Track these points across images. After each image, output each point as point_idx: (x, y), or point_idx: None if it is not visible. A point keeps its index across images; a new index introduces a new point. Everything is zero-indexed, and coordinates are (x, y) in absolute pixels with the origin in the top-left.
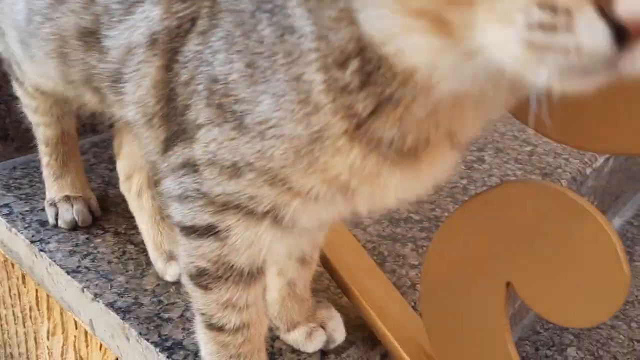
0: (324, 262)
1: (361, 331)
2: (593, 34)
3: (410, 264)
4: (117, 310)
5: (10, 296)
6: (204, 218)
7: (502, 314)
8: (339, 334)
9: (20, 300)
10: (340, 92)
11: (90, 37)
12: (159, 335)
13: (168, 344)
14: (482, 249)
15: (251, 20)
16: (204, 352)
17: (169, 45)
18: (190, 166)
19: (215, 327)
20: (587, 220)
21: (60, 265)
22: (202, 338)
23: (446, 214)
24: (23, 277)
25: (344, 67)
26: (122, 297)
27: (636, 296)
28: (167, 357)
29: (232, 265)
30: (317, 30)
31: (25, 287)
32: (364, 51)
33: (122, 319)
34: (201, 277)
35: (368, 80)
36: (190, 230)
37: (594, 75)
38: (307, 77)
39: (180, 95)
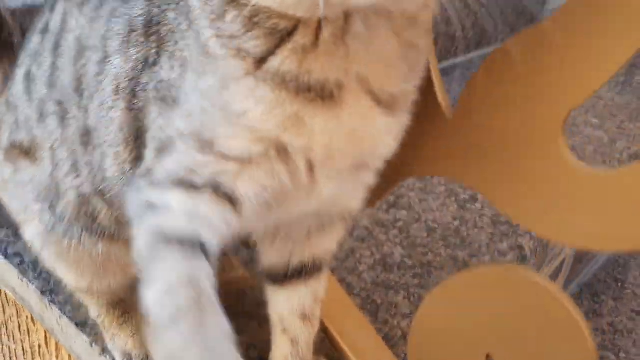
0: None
1: None
2: None
3: (403, 314)
4: None
5: (20, 332)
6: (143, 197)
7: None
8: None
9: (29, 337)
10: (229, 38)
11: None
12: None
13: None
14: (462, 323)
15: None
16: None
17: (128, 86)
18: (143, 172)
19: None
20: (553, 301)
21: (69, 318)
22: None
23: (438, 259)
24: (32, 316)
25: (221, 18)
26: None
27: (625, 325)
28: None
29: (171, 235)
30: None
31: (34, 325)
32: (236, 2)
33: None
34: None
35: (249, 24)
36: (134, 215)
37: None
38: (203, 37)
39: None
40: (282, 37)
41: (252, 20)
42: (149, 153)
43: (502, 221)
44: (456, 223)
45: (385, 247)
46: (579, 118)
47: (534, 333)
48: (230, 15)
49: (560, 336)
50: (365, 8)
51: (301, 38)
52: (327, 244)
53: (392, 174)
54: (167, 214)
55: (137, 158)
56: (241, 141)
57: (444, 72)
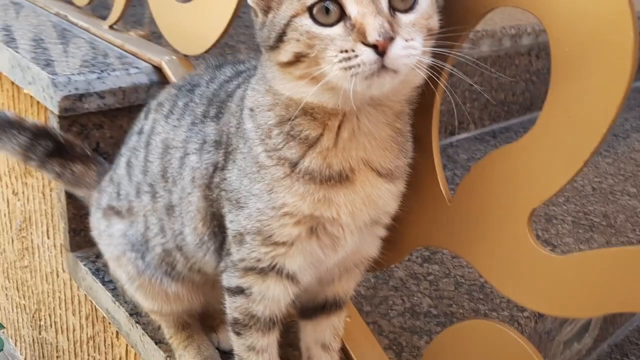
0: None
1: None
2: (366, 53)
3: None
4: None
5: (105, 345)
6: (234, 282)
7: None
8: None
9: (112, 350)
10: (273, 151)
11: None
12: None
13: None
14: None
15: (240, 146)
16: None
17: (201, 181)
18: (226, 251)
19: None
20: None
21: (150, 336)
22: None
23: (461, 310)
24: (117, 332)
25: (269, 135)
26: None
27: None
28: None
29: (254, 315)
30: (255, 124)
31: (118, 340)
32: (280, 121)
33: None
34: (236, 325)
35: (289, 136)
36: (228, 291)
37: (377, 78)
38: (255, 151)
39: (216, 205)
40: (310, 144)
41: (290, 134)
42: (228, 239)
43: None
44: (482, 280)
45: (415, 297)
46: (617, 186)
47: None
48: (274, 132)
49: None
50: (375, 99)
51: (326, 141)
52: (347, 285)
53: (403, 244)
54: (250, 297)
55: (214, 233)
56: (286, 228)
57: (498, 132)
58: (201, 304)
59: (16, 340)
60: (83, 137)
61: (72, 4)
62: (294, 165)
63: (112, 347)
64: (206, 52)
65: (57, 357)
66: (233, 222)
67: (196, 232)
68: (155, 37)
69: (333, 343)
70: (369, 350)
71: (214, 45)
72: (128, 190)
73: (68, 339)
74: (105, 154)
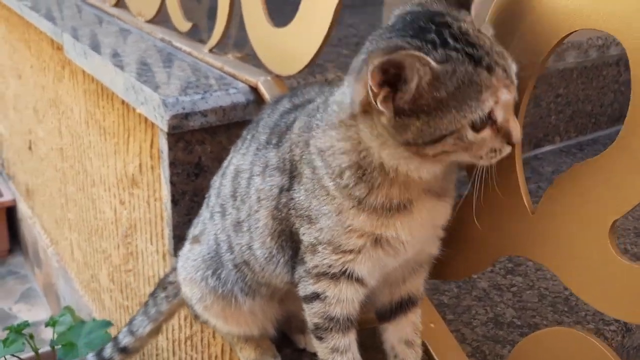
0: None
1: None
2: (508, 149)
3: None
4: None
5: (202, 344)
6: (310, 289)
7: None
8: None
9: (209, 349)
10: (343, 188)
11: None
12: None
13: None
14: None
15: (306, 173)
16: None
17: (268, 202)
18: (300, 260)
19: None
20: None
21: None
22: None
23: (545, 322)
24: (213, 332)
25: (340, 176)
26: None
27: None
28: None
29: (333, 317)
30: (325, 164)
31: (214, 340)
32: (354, 166)
33: None
34: (317, 330)
35: (360, 180)
36: (305, 299)
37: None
38: (325, 184)
39: (285, 223)
40: (377, 185)
41: (360, 178)
42: (302, 249)
43: None
44: (567, 292)
45: (498, 307)
46: None
47: None
48: (346, 174)
49: None
50: None
51: (393, 182)
52: (417, 283)
53: (487, 253)
54: (326, 301)
55: (282, 247)
56: (353, 240)
57: (585, 144)
58: (272, 324)
59: None
60: (187, 152)
61: (175, 30)
62: (360, 200)
63: (209, 346)
64: (298, 72)
65: (156, 355)
66: (305, 234)
67: (265, 246)
68: (251, 58)
69: (415, 339)
70: (453, 354)
71: (307, 67)
72: (205, 216)
73: (167, 338)
74: (206, 167)
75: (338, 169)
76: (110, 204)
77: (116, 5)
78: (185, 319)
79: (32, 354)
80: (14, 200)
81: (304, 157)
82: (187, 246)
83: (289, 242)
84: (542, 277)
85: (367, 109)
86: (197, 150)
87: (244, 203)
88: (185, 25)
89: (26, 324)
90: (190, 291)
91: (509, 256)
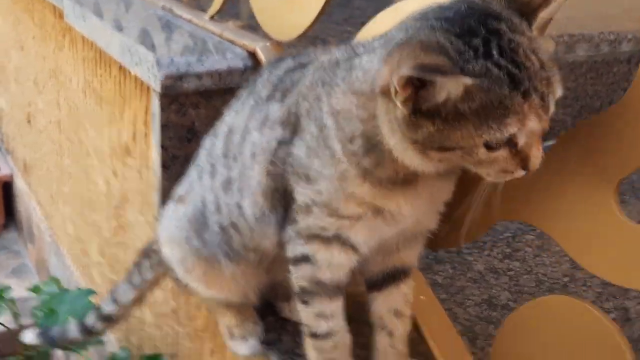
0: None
1: None
2: (521, 173)
3: None
4: None
5: (186, 318)
6: (299, 250)
7: None
8: None
9: (192, 323)
10: (351, 154)
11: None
12: None
13: None
14: (532, 347)
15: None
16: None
17: (263, 157)
18: (291, 220)
19: (313, 335)
20: (606, 331)
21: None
22: (307, 348)
23: None
24: (197, 305)
25: (351, 141)
26: None
27: None
28: None
29: (321, 282)
30: (338, 126)
31: (199, 312)
32: (367, 137)
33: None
34: (303, 294)
35: (369, 151)
36: (294, 260)
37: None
38: (331, 145)
39: (280, 179)
40: (387, 160)
41: (370, 150)
42: (294, 208)
43: (614, 284)
44: (565, 279)
45: (493, 289)
46: None
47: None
48: (357, 142)
49: None
50: None
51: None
52: (411, 254)
53: (487, 217)
54: (315, 264)
55: (274, 206)
56: (351, 206)
57: None
58: (255, 292)
59: None
60: (180, 115)
61: None
62: (367, 171)
63: (193, 319)
64: (298, 38)
65: (140, 329)
66: (300, 193)
67: (256, 205)
68: (251, 29)
69: (405, 310)
70: (442, 328)
71: (306, 32)
72: (192, 176)
73: (152, 312)
74: (199, 131)
75: (350, 134)
76: (103, 176)
77: None
78: (170, 291)
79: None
80: (11, 176)
81: (311, 112)
82: (170, 206)
83: (282, 200)
84: (541, 263)
85: (386, 93)
86: (190, 114)
87: (236, 161)
88: None
89: (7, 287)
90: (170, 252)
91: (505, 220)
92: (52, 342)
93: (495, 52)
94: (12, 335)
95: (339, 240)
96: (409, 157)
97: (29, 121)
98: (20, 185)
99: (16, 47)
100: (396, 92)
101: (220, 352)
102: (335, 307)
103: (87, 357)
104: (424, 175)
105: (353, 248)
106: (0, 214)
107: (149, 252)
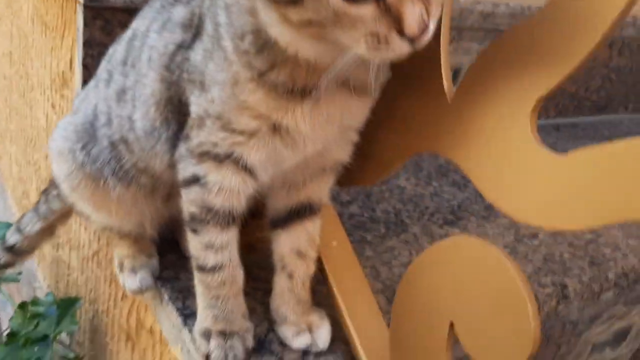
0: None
1: (347, 344)
2: (399, 45)
3: None
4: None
5: (106, 260)
6: (190, 170)
7: (445, 349)
8: (322, 342)
9: (111, 265)
10: (242, 54)
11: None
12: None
13: None
14: (432, 291)
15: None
16: (197, 297)
17: (159, 62)
18: (184, 136)
19: (200, 268)
20: (506, 276)
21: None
22: (195, 283)
23: None
24: None
25: (241, 38)
26: None
27: None
28: None
29: (212, 208)
30: (228, 20)
31: None
32: (257, 32)
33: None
34: (192, 222)
35: (261, 49)
36: (184, 182)
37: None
38: (224, 44)
39: (175, 88)
40: (280, 62)
41: (263, 46)
42: (188, 123)
43: (556, 260)
44: (507, 251)
45: None
46: None
47: (487, 304)
48: (248, 39)
49: (508, 311)
50: None
51: (300, 63)
52: (319, 189)
53: (400, 149)
54: (206, 187)
55: (167, 120)
56: (245, 119)
57: (563, 127)
58: (151, 223)
59: (39, 261)
60: (106, 34)
61: None
62: (260, 73)
63: (112, 261)
64: None
65: (67, 274)
66: (194, 104)
67: (148, 116)
68: None
69: (309, 250)
70: (351, 277)
71: None
72: (90, 85)
73: (78, 256)
74: None
75: (240, 30)
76: (43, 109)
77: None
78: (94, 233)
79: None
80: None
81: (211, 9)
82: (67, 117)
83: (175, 113)
84: (483, 233)
85: None
86: (117, 32)
87: (134, 68)
88: None
89: None
90: (57, 166)
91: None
92: None
93: None
94: None
95: (232, 160)
96: (281, 33)
97: None
98: None
99: None
100: None
101: (130, 296)
102: (227, 238)
103: (7, 294)
104: (330, 87)
105: (249, 171)
106: None
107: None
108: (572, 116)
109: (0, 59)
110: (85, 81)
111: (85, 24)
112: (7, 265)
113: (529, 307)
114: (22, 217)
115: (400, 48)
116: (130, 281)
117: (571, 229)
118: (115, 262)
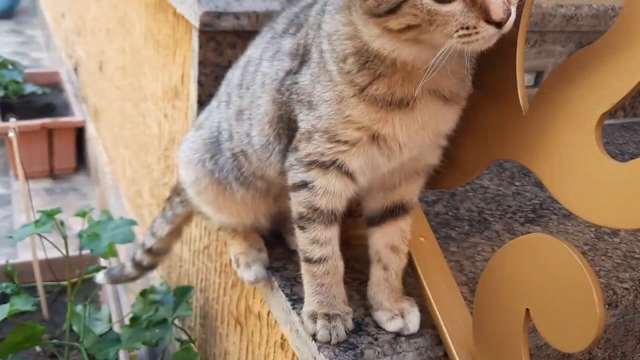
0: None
1: (433, 329)
2: (488, 30)
3: None
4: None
5: (216, 253)
6: (299, 177)
7: (521, 333)
8: (413, 326)
9: (221, 258)
10: (345, 74)
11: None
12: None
13: None
14: (509, 283)
15: (314, 57)
16: (304, 285)
17: (271, 86)
18: (293, 148)
19: (307, 260)
20: (572, 262)
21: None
22: (302, 272)
23: None
24: (225, 242)
25: (344, 61)
26: None
27: None
28: None
29: (317, 208)
30: (331, 47)
31: (225, 248)
32: (357, 53)
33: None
34: (300, 220)
35: (362, 67)
36: (293, 187)
37: (490, 41)
38: (329, 67)
39: (285, 108)
40: (379, 75)
41: (364, 65)
42: (297, 136)
43: (636, 257)
44: (586, 248)
45: None
46: None
47: (559, 294)
48: (350, 61)
49: (577, 299)
50: None
51: (397, 76)
52: (411, 190)
53: (480, 156)
54: (313, 190)
55: (279, 135)
56: (350, 131)
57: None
58: (265, 218)
59: None
60: (217, 54)
61: None
62: (362, 89)
63: (221, 254)
64: None
65: (180, 266)
66: (303, 121)
67: (263, 133)
68: None
69: (401, 245)
70: (437, 270)
71: None
72: (212, 105)
73: (189, 249)
74: None
75: (342, 54)
76: (156, 119)
77: None
78: (204, 229)
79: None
80: (84, 122)
81: (315, 40)
82: (191, 132)
83: (285, 129)
84: (563, 230)
85: None
86: (227, 53)
87: (249, 90)
88: None
89: (58, 210)
90: (185, 173)
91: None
92: (114, 279)
93: None
94: (66, 262)
95: (336, 166)
96: (382, 43)
97: (100, 69)
98: (90, 131)
99: None
100: None
101: (239, 285)
102: (330, 234)
103: (131, 289)
104: (423, 96)
105: (350, 176)
106: (73, 158)
107: (179, 189)
108: None
109: (114, 71)
110: (199, 96)
111: (200, 46)
112: (151, 267)
113: (594, 296)
114: (153, 223)
115: (488, 33)
116: (246, 274)
117: (629, 228)
118: (232, 260)
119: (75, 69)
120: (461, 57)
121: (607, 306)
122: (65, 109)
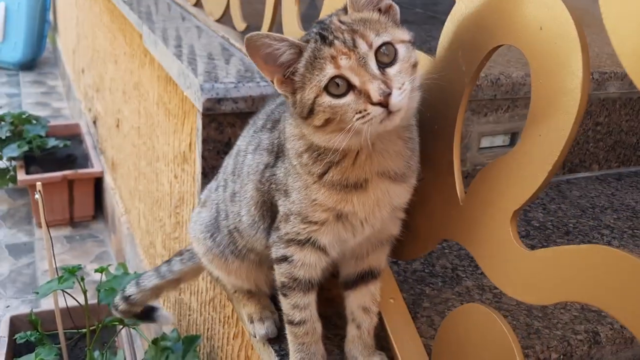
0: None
1: None
2: (375, 110)
3: None
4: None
5: (220, 305)
6: (280, 252)
7: None
8: None
9: (224, 310)
10: (304, 166)
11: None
12: None
13: None
14: (456, 346)
15: (285, 152)
16: (289, 343)
17: (254, 176)
18: (275, 228)
19: (289, 322)
20: (501, 331)
21: None
22: (287, 333)
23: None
24: (227, 295)
25: (301, 156)
26: None
27: None
28: None
29: (297, 278)
30: (291, 146)
31: (228, 302)
32: (309, 149)
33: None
34: (283, 288)
35: (317, 159)
36: (276, 260)
37: (388, 120)
38: (293, 163)
39: (267, 195)
40: (332, 164)
41: (317, 158)
42: (278, 218)
43: (593, 309)
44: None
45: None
46: None
47: (489, 356)
48: (305, 155)
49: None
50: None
51: (345, 163)
52: (378, 258)
53: (427, 238)
54: (292, 263)
55: (263, 216)
56: (317, 213)
57: (626, 175)
58: (257, 283)
59: (164, 301)
60: (219, 132)
61: (233, 28)
62: (320, 176)
63: (224, 307)
64: None
65: (188, 315)
66: (281, 205)
67: (249, 213)
68: None
69: (372, 306)
70: (404, 327)
71: None
72: (212, 186)
73: (197, 300)
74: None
75: (298, 151)
76: (167, 178)
77: (195, 5)
78: (210, 282)
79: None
80: (102, 172)
81: (283, 141)
82: (197, 208)
83: (269, 212)
84: None
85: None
86: (227, 132)
87: (239, 177)
88: (241, 25)
89: (79, 267)
90: (197, 247)
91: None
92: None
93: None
94: (84, 311)
95: (310, 243)
96: (316, 138)
97: (117, 126)
98: (108, 181)
99: (112, 60)
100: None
101: (240, 336)
102: (308, 300)
103: (142, 332)
104: (373, 178)
105: (322, 250)
106: (91, 206)
107: (182, 252)
108: (636, 165)
109: (130, 130)
110: (203, 168)
111: (204, 127)
112: (125, 313)
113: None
114: (142, 274)
115: (377, 112)
116: (259, 329)
117: (544, 304)
118: (244, 318)
119: (94, 122)
120: (393, 142)
121: (561, 356)
122: (85, 160)
